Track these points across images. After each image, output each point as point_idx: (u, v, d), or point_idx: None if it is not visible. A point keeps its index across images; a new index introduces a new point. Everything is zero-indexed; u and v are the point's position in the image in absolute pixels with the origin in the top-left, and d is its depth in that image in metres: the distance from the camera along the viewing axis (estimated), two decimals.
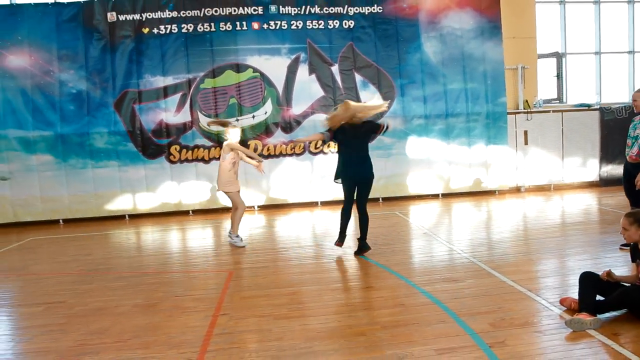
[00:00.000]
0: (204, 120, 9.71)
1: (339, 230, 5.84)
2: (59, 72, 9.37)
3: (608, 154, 10.94)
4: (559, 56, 11.16)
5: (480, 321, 3.65)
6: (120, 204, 9.64)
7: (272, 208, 10.11)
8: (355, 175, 5.61)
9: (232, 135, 6.51)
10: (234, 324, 3.87)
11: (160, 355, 3.34)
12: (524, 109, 10.88)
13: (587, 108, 11.01)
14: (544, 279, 4.72)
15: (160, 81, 9.60)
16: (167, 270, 5.70)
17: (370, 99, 10.03)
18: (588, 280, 3.73)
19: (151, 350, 3.42)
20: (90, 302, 4.57)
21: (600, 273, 3.78)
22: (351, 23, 9.97)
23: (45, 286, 5.22)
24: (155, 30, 9.49)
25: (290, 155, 10.00)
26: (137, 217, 9.70)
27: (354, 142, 5.55)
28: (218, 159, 9.66)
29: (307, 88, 9.93)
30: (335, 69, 10.00)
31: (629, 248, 5.33)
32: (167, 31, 9.51)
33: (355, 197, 5.68)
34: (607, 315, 3.59)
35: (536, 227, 7.30)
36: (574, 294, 3.93)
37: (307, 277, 5.08)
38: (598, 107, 11.00)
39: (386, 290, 4.51)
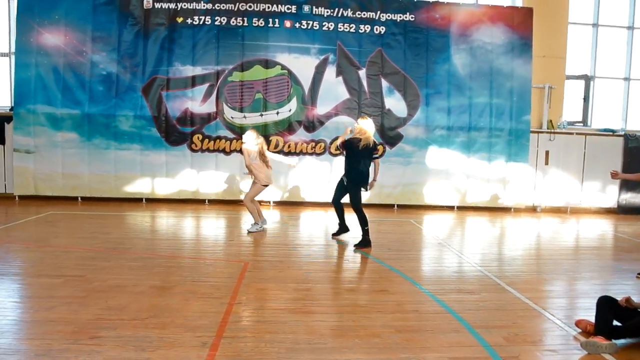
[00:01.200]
0: (228, 113, 9.81)
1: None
2: (92, 53, 9.55)
3: (629, 182, 10.81)
4: (587, 79, 11.08)
5: (494, 334, 3.66)
6: (139, 187, 9.78)
7: (288, 205, 10.17)
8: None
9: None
10: (249, 313, 3.93)
11: (176, 337, 3.40)
12: (548, 128, 10.82)
13: (611, 133, 10.91)
14: (557, 299, 4.72)
15: (190, 70, 9.73)
16: (182, 255, 5.78)
17: (395, 106, 10.21)
18: (606, 305, 3.72)
19: (167, 331, 3.49)
20: (108, 278, 4.66)
21: (618, 298, 3.77)
22: (382, 29, 10.01)
23: (65, 260, 5.33)
24: (189, 21, 9.62)
25: (311, 154, 10.06)
26: (153, 202, 9.83)
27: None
28: (239, 151, 9.79)
29: (333, 89, 9.99)
30: (362, 73, 10.05)
31: None
32: (201, 22, 9.64)
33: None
34: (622, 341, 3.57)
35: (551, 248, 7.26)
36: (586, 316, 3.92)
37: (322, 276, 5.12)
38: (623, 133, 10.89)
39: (400, 295, 4.53)
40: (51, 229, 7.10)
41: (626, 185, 10.87)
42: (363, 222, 6.30)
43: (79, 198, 9.75)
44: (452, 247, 6.72)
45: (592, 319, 3.76)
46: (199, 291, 4.41)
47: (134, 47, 9.61)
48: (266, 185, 7.07)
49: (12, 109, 9.75)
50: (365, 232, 6.31)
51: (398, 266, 5.52)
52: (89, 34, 9.54)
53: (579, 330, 3.78)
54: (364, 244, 6.26)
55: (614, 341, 3.46)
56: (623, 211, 10.89)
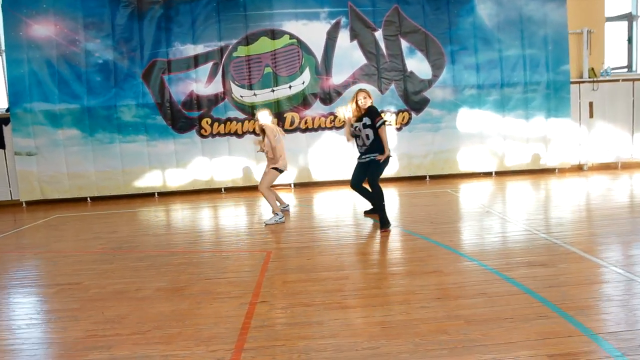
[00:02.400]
0: (237, 91, 9.01)
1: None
2: (85, 41, 8.83)
3: None
4: (630, 18, 9.90)
5: (594, 318, 2.82)
6: (149, 180, 9.09)
7: (309, 185, 9.38)
8: None
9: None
10: (276, 314, 3.15)
11: (184, 354, 2.65)
12: (590, 77, 9.71)
13: None
14: None
15: (191, 49, 8.93)
16: (196, 249, 5.04)
17: (418, 68, 9.25)
18: None
19: (174, 346, 2.74)
20: (108, 284, 3.94)
21: None
22: None
23: (63, 265, 4.65)
24: None
25: (330, 128, 9.21)
26: (166, 195, 9.16)
27: None
28: (252, 132, 9.01)
29: (349, 55, 9.08)
30: (379, 34, 9.09)
31: None
32: None
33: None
34: None
35: (614, 206, 6.28)
36: None
37: (357, 260, 4.32)
38: None
39: (459, 275, 3.70)
40: (53, 233, 6.45)
41: None
42: (380, 197, 5.21)
43: (88, 199, 9.13)
44: (503, 215, 5.83)
45: None
46: (215, 290, 3.66)
47: (129, 30, 8.85)
48: (283, 171, 6.23)
49: (8, 109, 9.12)
50: (382, 209, 5.20)
51: (447, 241, 4.68)
52: (80, 20, 8.81)
53: None
54: (384, 223, 5.18)
55: None
56: None
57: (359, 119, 5.32)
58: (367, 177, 5.30)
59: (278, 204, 6.31)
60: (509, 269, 3.74)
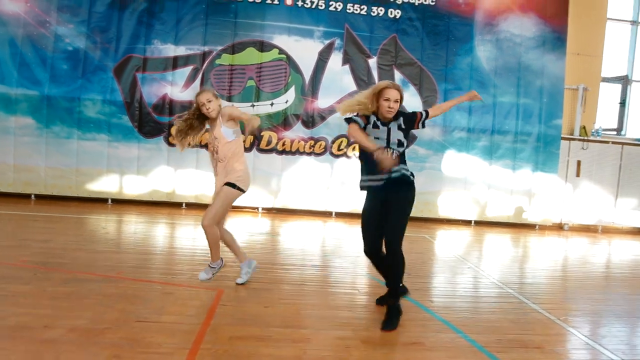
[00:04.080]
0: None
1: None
2: (56, 24, 8.09)
3: None
4: (625, 81, 9.76)
5: None
6: (105, 185, 8.26)
7: (279, 213, 8.70)
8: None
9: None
10: None
11: None
12: (580, 135, 9.46)
13: None
14: None
15: (171, 50, 8.28)
16: (137, 276, 4.27)
17: (409, 102, 8.79)
18: None
19: None
20: (12, 314, 3.16)
21: None
22: (397, 13, 8.64)
23: None
24: None
25: (309, 154, 8.60)
26: (121, 203, 8.32)
27: None
28: None
29: (338, 79, 8.57)
30: (373, 62, 8.65)
31: None
32: None
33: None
34: None
35: (606, 276, 5.83)
36: None
37: (323, 314, 3.65)
38: None
39: (444, 352, 3.07)
40: None
41: None
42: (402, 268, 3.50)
43: (33, 196, 8.22)
44: (485, 273, 5.28)
45: None
46: (143, 340, 2.92)
47: (107, 19, 8.14)
48: (244, 192, 4.05)
49: None
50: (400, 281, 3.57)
51: (427, 302, 4.08)
52: (54, 2, 8.08)
53: None
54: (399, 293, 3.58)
55: None
56: None
57: (384, 123, 3.48)
58: (388, 231, 3.38)
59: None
60: (502, 350, 3.14)
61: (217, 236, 4.04)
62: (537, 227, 9.27)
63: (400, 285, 3.58)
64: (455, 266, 5.70)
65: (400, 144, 3.51)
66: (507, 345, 3.24)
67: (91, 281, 3.97)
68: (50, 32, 8.09)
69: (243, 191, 4.01)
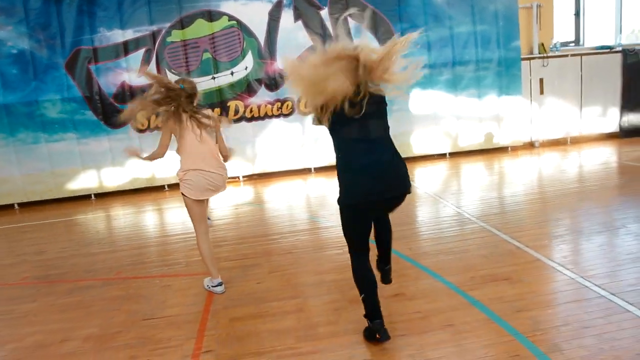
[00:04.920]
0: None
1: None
2: None
3: (630, 101, 9.85)
4: None
5: (571, 354, 2.59)
6: (84, 182, 8.33)
7: (260, 178, 8.91)
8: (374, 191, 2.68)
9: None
10: None
11: None
12: (540, 53, 9.63)
13: (608, 50, 9.79)
14: (623, 273, 3.65)
15: (119, 35, 8.09)
16: (135, 274, 4.52)
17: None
18: None
19: None
20: (28, 334, 3.40)
21: None
22: None
23: None
24: None
25: (277, 116, 8.69)
26: (104, 196, 8.44)
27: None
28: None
29: (293, 37, 8.51)
30: (324, 13, 8.56)
31: None
32: None
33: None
34: None
35: (575, 192, 6.22)
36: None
37: (312, 280, 3.95)
38: (620, 49, 9.78)
39: (423, 299, 3.41)
40: None
41: (627, 106, 9.89)
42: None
43: (16, 205, 8.27)
44: (458, 208, 5.63)
45: None
46: (154, 337, 3.20)
47: (46, 15, 7.87)
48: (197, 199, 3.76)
49: None
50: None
51: (406, 250, 4.41)
52: None
53: None
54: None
55: None
56: (626, 134, 9.97)
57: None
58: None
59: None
60: (474, 287, 3.50)
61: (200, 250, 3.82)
62: (509, 149, 9.64)
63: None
64: (430, 206, 6.03)
65: None
66: (479, 282, 3.59)
67: (93, 287, 4.21)
68: None
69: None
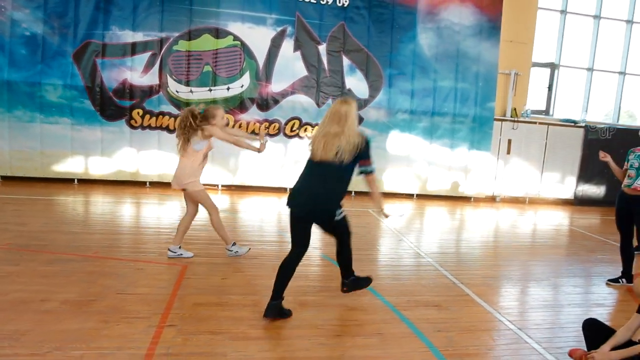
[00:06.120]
0: (173, 86, 8.82)
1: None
2: (12, 9, 8.27)
3: (587, 173, 10.77)
4: (553, 67, 10.81)
5: None
6: (70, 166, 8.70)
7: (237, 189, 9.41)
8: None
9: (218, 119, 4.73)
10: (182, 340, 3.23)
11: None
12: (512, 116, 10.51)
13: (572, 124, 10.75)
14: (534, 314, 4.28)
15: (129, 36, 8.63)
16: (112, 255, 4.95)
17: (356, 86, 9.53)
18: (595, 330, 3.29)
19: None
20: (11, 290, 3.81)
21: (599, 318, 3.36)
22: (345, 1, 9.26)
23: None
24: None
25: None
26: (87, 183, 8.81)
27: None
28: None
29: (290, 65, 9.19)
30: (322, 48, 9.29)
31: (619, 284, 5.03)
32: None
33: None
34: None
35: (516, 245, 6.91)
36: (569, 341, 3.53)
37: (272, 284, 4.44)
38: (584, 125, 10.75)
39: (361, 312, 3.96)
40: None
41: (584, 177, 10.80)
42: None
43: (0, 178, 8.60)
44: (414, 245, 6.24)
45: (578, 344, 3.35)
46: (124, 308, 3.66)
47: (64, 5, 8.38)
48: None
49: None
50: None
51: (359, 271, 4.94)
52: None
53: None
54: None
55: None
56: (579, 202, 10.85)
57: None
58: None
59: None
60: (408, 308, 4.06)
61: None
62: (472, 199, 10.39)
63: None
64: (389, 238, 6.63)
65: None
66: (413, 304, 4.16)
67: (73, 261, 4.63)
68: (6, 17, 8.26)
69: None
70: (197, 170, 4.83)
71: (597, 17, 10.97)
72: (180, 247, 5.01)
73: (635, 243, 5.20)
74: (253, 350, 3.18)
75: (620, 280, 5.14)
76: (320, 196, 3.53)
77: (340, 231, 3.80)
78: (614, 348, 3.09)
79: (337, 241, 3.87)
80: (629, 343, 3.13)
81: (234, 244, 5.10)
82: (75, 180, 8.81)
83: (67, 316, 3.46)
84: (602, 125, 10.78)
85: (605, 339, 3.18)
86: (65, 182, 8.73)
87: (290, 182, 9.46)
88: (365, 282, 4.13)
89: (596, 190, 10.90)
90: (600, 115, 11.70)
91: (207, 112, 4.75)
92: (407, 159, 9.88)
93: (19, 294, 3.76)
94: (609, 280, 5.21)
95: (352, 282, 4.05)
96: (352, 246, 3.96)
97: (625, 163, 5.09)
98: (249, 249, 5.23)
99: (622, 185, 5.08)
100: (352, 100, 3.69)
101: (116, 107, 8.66)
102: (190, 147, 4.71)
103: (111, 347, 3.07)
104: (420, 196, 10.11)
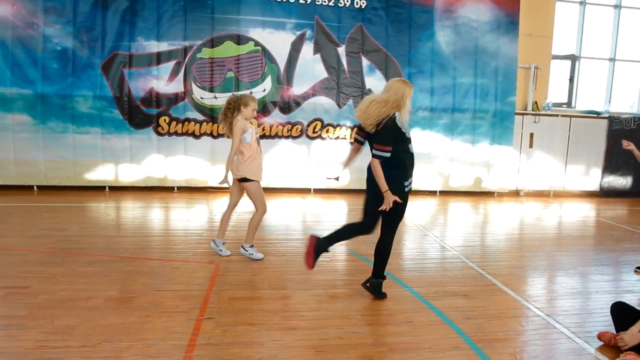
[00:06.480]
0: (197, 93, 9.07)
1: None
2: (44, 25, 8.61)
3: (612, 164, 10.63)
4: (573, 59, 10.72)
5: (499, 350, 3.24)
6: (101, 174, 9.01)
7: (264, 191, 9.56)
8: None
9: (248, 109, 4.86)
10: (220, 332, 3.39)
11: None
12: (533, 110, 10.46)
13: (595, 116, 10.64)
14: (561, 301, 4.32)
15: (154, 46, 8.91)
16: (146, 256, 5.17)
17: (376, 86, 9.62)
18: (624, 313, 3.34)
19: None
20: (57, 290, 4.04)
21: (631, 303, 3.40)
22: (363, 3, 9.36)
23: (9, 265, 4.66)
24: None
25: (287, 137, 9.44)
26: (118, 190, 9.11)
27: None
28: (210, 134, 9.15)
29: (311, 68, 9.35)
30: (341, 50, 9.42)
31: None
32: None
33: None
34: None
35: (543, 238, 6.90)
36: (598, 324, 3.58)
37: (301, 278, 4.61)
38: (607, 115, 10.63)
39: (391, 302, 4.07)
40: None
41: (609, 168, 10.67)
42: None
43: (35, 187, 8.94)
44: (439, 239, 6.30)
45: (607, 328, 3.40)
46: (163, 304, 3.85)
47: (92, 19, 8.71)
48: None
49: None
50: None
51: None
52: (40, 4, 8.57)
53: (600, 343, 3.38)
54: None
55: None
56: (605, 194, 10.72)
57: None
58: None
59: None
60: (436, 298, 4.15)
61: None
62: (495, 194, 10.36)
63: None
64: (415, 234, 6.70)
65: None
66: (441, 294, 4.25)
67: (111, 262, 4.86)
68: (38, 33, 8.62)
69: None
70: (251, 165, 4.95)
71: (617, 6, 10.84)
72: (252, 246, 5.13)
73: None
74: (289, 340, 3.32)
75: None
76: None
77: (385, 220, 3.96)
78: None
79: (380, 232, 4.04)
80: None
81: (252, 245, 5.15)
82: (107, 188, 9.12)
83: (111, 312, 3.66)
84: (627, 115, 10.63)
85: (634, 321, 3.24)
86: (97, 189, 9.05)
87: (314, 182, 9.65)
88: (382, 294, 4.11)
89: (622, 181, 10.75)
90: (625, 105, 11.54)
91: (240, 100, 4.86)
92: (429, 156, 9.91)
93: (65, 293, 3.99)
94: (637, 267, 5.20)
95: (374, 284, 4.07)
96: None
97: None
98: (263, 257, 5.15)
99: None
100: (405, 81, 3.82)
101: (144, 115, 8.95)
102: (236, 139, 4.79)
103: (155, 338, 3.25)
104: (443, 192, 10.13)
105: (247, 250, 5.14)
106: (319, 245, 3.97)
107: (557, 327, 3.66)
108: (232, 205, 5.25)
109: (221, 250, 5.17)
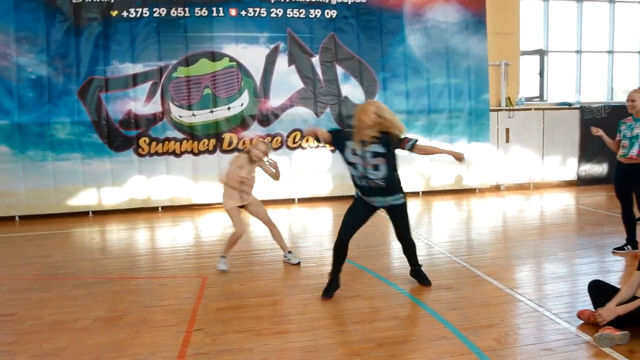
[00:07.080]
0: (176, 112, 9.12)
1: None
2: (17, 55, 8.59)
3: (587, 153, 10.89)
4: (541, 53, 11.02)
5: (484, 337, 3.33)
6: (84, 199, 8.97)
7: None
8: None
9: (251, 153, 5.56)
10: (210, 341, 3.43)
11: None
12: (507, 106, 10.70)
13: (567, 107, 10.92)
14: (542, 286, 4.45)
15: (129, 68, 8.95)
16: (134, 275, 5.18)
17: (352, 93, 9.78)
18: (601, 290, 3.46)
19: None
20: (45, 314, 4.04)
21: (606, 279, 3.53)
22: (333, 13, 9.54)
23: None
24: (124, 14, 8.82)
25: None
26: (101, 214, 9.06)
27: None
28: (191, 152, 9.18)
29: (286, 79, 9.46)
30: (315, 60, 9.56)
31: (625, 251, 5.16)
32: (138, 15, 8.86)
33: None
34: None
35: (522, 228, 7.04)
36: (577, 303, 3.70)
37: (288, 284, 4.67)
38: (578, 106, 10.92)
39: (377, 299, 4.14)
40: None
41: (585, 157, 10.93)
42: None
43: (17, 217, 8.85)
44: (425, 238, 6.41)
45: (586, 307, 3.52)
46: (152, 319, 3.87)
47: (65, 46, 8.72)
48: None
49: None
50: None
51: (370, 265, 5.16)
52: (12, 34, 8.55)
53: (580, 321, 3.49)
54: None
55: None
56: (583, 183, 10.96)
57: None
58: (402, 230, 4.52)
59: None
60: (421, 293, 4.24)
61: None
62: (477, 190, 10.53)
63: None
64: None
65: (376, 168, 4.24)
66: (426, 289, 4.34)
67: (98, 283, 4.86)
68: (12, 63, 8.60)
69: None
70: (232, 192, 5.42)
71: (579, 0, 11.20)
72: (290, 252, 5.44)
73: (636, 212, 5.35)
74: (278, 343, 3.37)
75: (625, 247, 5.29)
76: None
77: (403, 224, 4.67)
78: (619, 304, 3.26)
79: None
80: (633, 299, 3.30)
81: (224, 256, 5.15)
82: (90, 213, 9.07)
83: (100, 331, 3.68)
84: (597, 105, 10.93)
85: (610, 297, 3.36)
86: (81, 215, 8.99)
87: (298, 192, 9.71)
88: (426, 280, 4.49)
89: (599, 168, 11.01)
90: (597, 95, 11.85)
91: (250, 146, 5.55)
92: (409, 157, 9.98)
93: (52, 317, 3.98)
94: (614, 248, 5.36)
95: (415, 272, 4.52)
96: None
97: (618, 134, 5.27)
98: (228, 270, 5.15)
99: (618, 156, 5.25)
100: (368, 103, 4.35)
101: (123, 137, 8.96)
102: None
103: (145, 352, 3.28)
104: (426, 193, 10.27)
105: (221, 262, 5.14)
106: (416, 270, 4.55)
107: (540, 310, 3.76)
108: (266, 223, 5.45)
109: (289, 260, 5.36)
